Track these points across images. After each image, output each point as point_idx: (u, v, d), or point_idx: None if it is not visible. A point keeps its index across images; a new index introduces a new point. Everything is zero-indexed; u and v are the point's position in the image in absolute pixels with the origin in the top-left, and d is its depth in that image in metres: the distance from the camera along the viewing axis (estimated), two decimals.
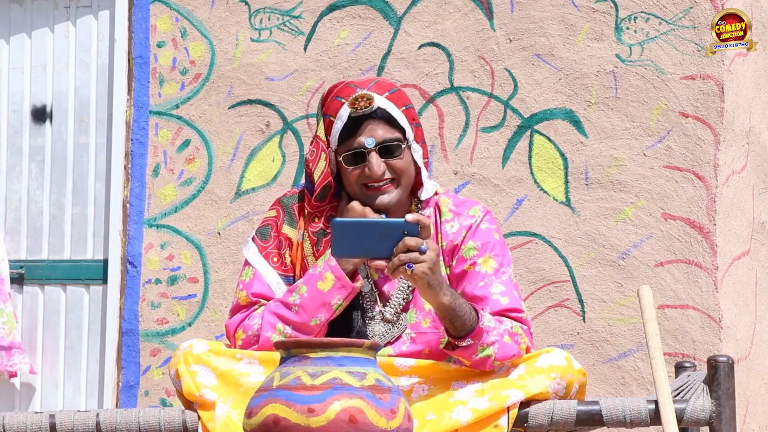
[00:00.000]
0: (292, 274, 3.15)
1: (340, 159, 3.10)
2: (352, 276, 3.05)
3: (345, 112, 3.09)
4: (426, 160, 3.18)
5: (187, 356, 3.04)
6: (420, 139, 3.16)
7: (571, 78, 4.94)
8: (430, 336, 3.10)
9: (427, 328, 3.11)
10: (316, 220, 3.13)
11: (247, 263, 3.18)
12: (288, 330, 3.03)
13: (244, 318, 3.10)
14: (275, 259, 3.15)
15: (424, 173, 3.16)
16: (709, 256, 4.74)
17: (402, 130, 3.10)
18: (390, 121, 3.09)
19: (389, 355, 3.09)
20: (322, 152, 3.12)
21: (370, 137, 3.07)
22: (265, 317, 3.05)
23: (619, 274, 4.85)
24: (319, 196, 3.13)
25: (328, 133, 3.12)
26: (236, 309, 3.14)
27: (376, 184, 3.08)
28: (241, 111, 5.34)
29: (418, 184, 3.18)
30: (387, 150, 3.08)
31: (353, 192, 3.11)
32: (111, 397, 5.46)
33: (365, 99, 3.07)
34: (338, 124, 3.10)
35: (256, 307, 3.11)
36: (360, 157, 3.08)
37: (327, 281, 3.03)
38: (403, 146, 3.10)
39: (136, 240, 5.42)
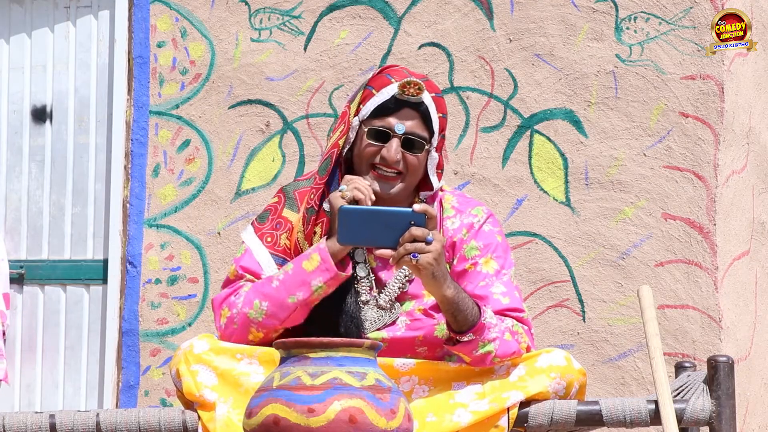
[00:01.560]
0: (283, 256, 3.14)
1: (365, 130, 3.10)
2: (343, 263, 3.05)
3: (392, 89, 3.08)
4: (440, 171, 3.18)
5: (187, 356, 3.04)
6: (440, 149, 3.16)
7: (571, 78, 4.94)
8: (425, 322, 3.10)
9: (421, 314, 3.10)
10: (311, 197, 3.12)
11: (242, 243, 3.19)
12: (264, 305, 3.02)
13: (230, 294, 3.11)
14: (269, 239, 3.15)
15: (435, 182, 3.16)
16: (709, 256, 4.74)
17: (431, 133, 3.11)
18: (425, 120, 3.10)
19: (383, 339, 3.08)
20: (342, 125, 3.12)
21: (401, 123, 3.08)
22: (247, 294, 3.06)
23: (619, 274, 4.85)
24: (321, 168, 3.12)
25: (363, 102, 3.12)
26: (226, 283, 3.17)
27: (384, 169, 3.08)
28: (241, 111, 5.34)
29: (421, 189, 3.19)
30: (410, 143, 3.08)
31: (360, 168, 3.12)
32: (111, 397, 5.46)
33: (416, 87, 3.08)
34: (378, 98, 3.09)
35: (242, 282, 3.11)
36: (383, 136, 3.08)
37: (312, 261, 3.03)
38: (426, 147, 3.10)
39: (136, 240, 5.42)
